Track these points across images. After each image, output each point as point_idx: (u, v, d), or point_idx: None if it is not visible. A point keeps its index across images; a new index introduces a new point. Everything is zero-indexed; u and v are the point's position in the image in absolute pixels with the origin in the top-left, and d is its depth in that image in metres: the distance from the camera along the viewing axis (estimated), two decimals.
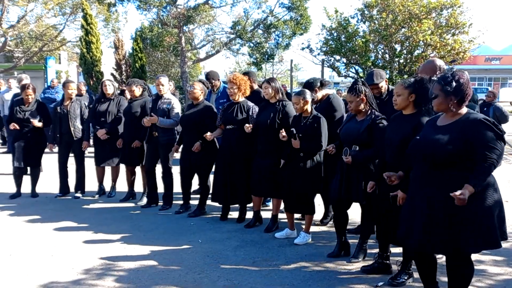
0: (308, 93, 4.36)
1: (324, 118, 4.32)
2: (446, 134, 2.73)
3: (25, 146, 6.13)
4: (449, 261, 2.86)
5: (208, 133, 5.08)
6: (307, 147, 4.27)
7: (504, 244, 4.36)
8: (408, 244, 3.00)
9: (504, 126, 8.06)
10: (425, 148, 2.79)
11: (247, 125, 4.81)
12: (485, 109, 8.18)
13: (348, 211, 4.09)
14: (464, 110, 2.78)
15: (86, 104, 6.61)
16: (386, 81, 4.43)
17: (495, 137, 2.63)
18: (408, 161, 3.02)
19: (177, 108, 5.68)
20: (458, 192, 2.54)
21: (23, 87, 6.21)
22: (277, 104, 4.75)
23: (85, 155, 6.41)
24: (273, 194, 4.83)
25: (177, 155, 5.86)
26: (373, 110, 3.83)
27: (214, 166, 5.34)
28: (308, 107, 4.35)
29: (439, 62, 3.80)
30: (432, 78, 3.33)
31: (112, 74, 20.63)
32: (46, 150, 6.42)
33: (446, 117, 2.83)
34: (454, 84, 2.72)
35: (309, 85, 4.76)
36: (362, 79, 3.96)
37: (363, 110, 3.82)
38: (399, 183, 3.16)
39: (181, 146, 5.57)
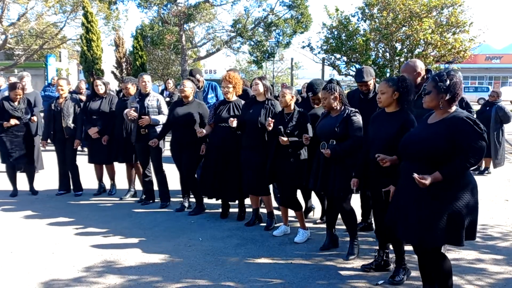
0: (295, 90, 4.55)
1: (307, 112, 4.43)
2: (433, 131, 2.81)
3: (15, 144, 6.06)
4: (422, 257, 2.97)
5: (202, 129, 5.04)
6: (296, 142, 4.32)
7: (504, 243, 4.40)
8: (395, 235, 3.11)
9: (506, 126, 8.08)
10: (412, 145, 2.88)
11: (231, 119, 4.73)
12: (487, 108, 8.09)
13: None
14: (453, 109, 2.85)
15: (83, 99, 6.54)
16: (374, 78, 4.59)
17: (476, 136, 2.68)
18: (399, 156, 3.11)
19: (164, 103, 5.78)
20: (421, 179, 2.67)
21: (13, 87, 6.04)
22: (266, 102, 4.77)
23: (78, 153, 6.39)
24: (263, 192, 4.85)
25: (167, 152, 5.82)
26: (346, 106, 3.99)
27: (202, 163, 5.33)
28: (292, 103, 4.44)
29: (418, 63, 4.00)
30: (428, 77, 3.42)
31: (112, 72, 20.65)
32: (47, 148, 6.40)
33: (436, 115, 2.91)
34: (448, 82, 2.79)
35: (312, 89, 4.68)
36: (337, 79, 4.10)
37: (336, 108, 3.96)
38: (392, 179, 3.21)
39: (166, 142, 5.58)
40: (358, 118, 3.90)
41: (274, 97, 5.11)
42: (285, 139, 4.28)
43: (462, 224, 2.74)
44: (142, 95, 5.71)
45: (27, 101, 6.22)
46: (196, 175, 5.51)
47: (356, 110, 3.96)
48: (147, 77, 5.75)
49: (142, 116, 5.51)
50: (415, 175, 2.68)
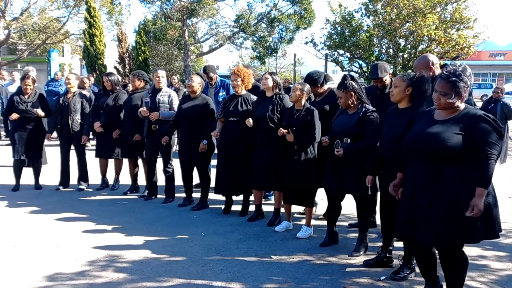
0: (308, 87, 4.44)
1: (316, 110, 4.36)
2: (447, 128, 2.72)
3: (25, 138, 6.09)
4: (443, 255, 2.89)
5: (213, 132, 5.08)
6: (301, 140, 4.30)
7: (507, 240, 4.39)
8: (410, 238, 2.99)
9: (511, 123, 8.08)
10: (426, 143, 2.76)
11: (249, 119, 4.81)
12: (492, 105, 8.08)
13: (349, 206, 4.10)
14: (462, 105, 2.79)
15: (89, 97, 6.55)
16: (390, 74, 4.43)
17: (495, 133, 2.65)
18: (403, 155, 3.00)
19: (176, 100, 5.73)
20: (475, 206, 2.59)
21: (23, 77, 6.16)
22: (274, 97, 4.77)
23: (86, 148, 6.42)
24: (273, 187, 4.85)
25: (176, 148, 5.86)
26: (363, 104, 3.90)
27: (216, 159, 5.35)
28: (303, 100, 4.40)
29: (432, 58, 3.85)
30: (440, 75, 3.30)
31: (115, 67, 20.64)
32: (50, 142, 6.41)
33: (443, 112, 2.81)
34: (467, 80, 2.71)
35: (313, 81, 4.72)
36: (351, 74, 4.03)
37: (353, 105, 3.90)
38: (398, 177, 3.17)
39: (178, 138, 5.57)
40: (375, 118, 3.81)
41: (288, 90, 5.09)
42: (290, 135, 4.26)
43: (493, 216, 2.76)
44: (154, 90, 5.70)
45: (38, 96, 6.21)
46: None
47: (374, 109, 3.87)
48: (161, 72, 5.70)
49: (151, 112, 5.49)
50: (473, 206, 2.58)
